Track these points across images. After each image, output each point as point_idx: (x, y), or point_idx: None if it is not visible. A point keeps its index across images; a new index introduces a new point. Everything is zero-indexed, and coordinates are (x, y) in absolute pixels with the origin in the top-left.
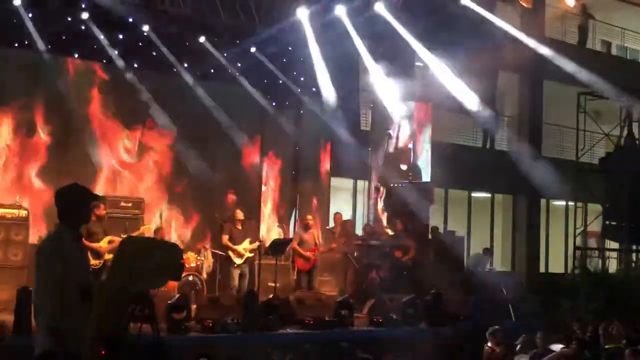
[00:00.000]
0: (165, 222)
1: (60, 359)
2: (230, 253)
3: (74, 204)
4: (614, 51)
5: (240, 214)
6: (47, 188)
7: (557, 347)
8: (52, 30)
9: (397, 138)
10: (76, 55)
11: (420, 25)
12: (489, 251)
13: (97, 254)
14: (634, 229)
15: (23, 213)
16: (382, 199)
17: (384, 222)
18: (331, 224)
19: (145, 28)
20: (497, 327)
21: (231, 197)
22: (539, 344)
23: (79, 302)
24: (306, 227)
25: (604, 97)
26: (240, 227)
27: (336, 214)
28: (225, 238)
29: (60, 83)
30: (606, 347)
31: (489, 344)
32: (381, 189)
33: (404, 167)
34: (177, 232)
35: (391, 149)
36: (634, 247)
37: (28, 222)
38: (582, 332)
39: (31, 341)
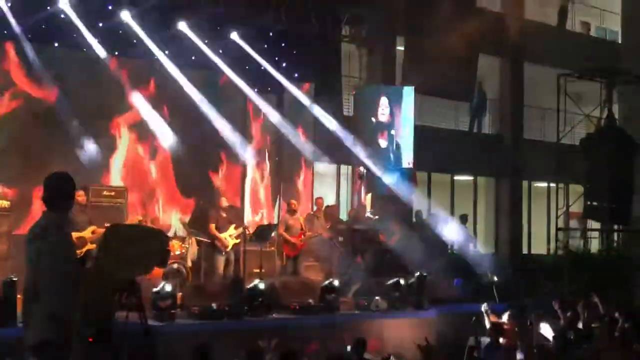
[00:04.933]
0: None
1: (59, 347)
2: (217, 243)
3: (63, 192)
4: (593, 32)
5: (224, 202)
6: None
7: (545, 326)
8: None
9: (376, 116)
10: (56, 45)
11: (400, 8)
12: (465, 218)
13: (80, 243)
14: (615, 209)
15: (6, 204)
16: (368, 183)
17: (368, 207)
18: (314, 208)
19: (125, 15)
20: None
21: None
22: (531, 324)
23: (75, 291)
24: (291, 212)
25: (584, 79)
26: (225, 215)
27: (317, 198)
28: (212, 227)
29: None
30: (592, 325)
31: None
32: (366, 173)
33: (383, 143)
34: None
35: (376, 135)
36: (615, 227)
37: (11, 212)
38: (563, 311)
39: (17, 332)
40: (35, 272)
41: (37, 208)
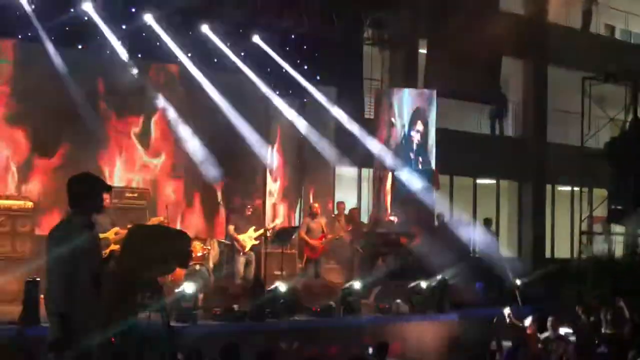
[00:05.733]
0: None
1: (67, 346)
2: (236, 244)
3: (85, 192)
4: (617, 35)
5: (249, 210)
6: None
7: (564, 330)
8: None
9: (404, 126)
10: (80, 47)
11: (423, 10)
12: (489, 222)
13: (104, 244)
14: None
15: (29, 204)
16: (390, 186)
17: (389, 210)
18: (335, 212)
19: (148, 18)
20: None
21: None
22: (550, 328)
23: (91, 291)
24: (313, 215)
25: (609, 82)
26: (245, 216)
27: (339, 203)
28: (231, 228)
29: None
30: (607, 332)
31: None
32: (388, 176)
33: (412, 154)
34: (184, 222)
35: (398, 138)
36: None
37: (34, 213)
38: (586, 316)
39: (40, 331)
40: (49, 272)
41: (61, 209)
